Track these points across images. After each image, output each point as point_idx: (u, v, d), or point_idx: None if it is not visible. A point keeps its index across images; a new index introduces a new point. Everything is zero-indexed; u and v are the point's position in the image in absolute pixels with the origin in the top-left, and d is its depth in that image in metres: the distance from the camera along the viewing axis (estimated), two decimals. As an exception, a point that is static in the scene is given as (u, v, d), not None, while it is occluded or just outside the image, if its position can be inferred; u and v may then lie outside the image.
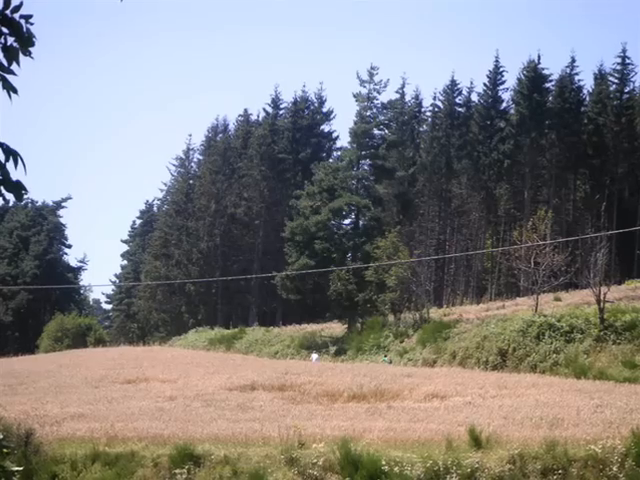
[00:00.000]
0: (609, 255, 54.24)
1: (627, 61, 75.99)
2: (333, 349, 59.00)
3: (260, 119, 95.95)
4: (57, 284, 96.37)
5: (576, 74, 77.84)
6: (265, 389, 32.39)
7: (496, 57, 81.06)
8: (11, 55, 5.82)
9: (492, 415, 23.89)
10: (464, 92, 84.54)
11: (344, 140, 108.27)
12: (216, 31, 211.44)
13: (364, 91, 70.70)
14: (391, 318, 58.29)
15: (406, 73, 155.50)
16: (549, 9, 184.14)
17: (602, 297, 41.60)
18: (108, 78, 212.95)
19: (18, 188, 5.86)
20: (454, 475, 18.78)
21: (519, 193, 79.42)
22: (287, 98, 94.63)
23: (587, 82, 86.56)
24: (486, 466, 18.95)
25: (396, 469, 18.84)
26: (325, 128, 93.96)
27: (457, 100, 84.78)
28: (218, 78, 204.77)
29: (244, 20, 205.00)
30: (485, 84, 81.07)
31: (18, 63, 5.85)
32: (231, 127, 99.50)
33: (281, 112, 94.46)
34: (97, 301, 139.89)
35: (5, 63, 5.82)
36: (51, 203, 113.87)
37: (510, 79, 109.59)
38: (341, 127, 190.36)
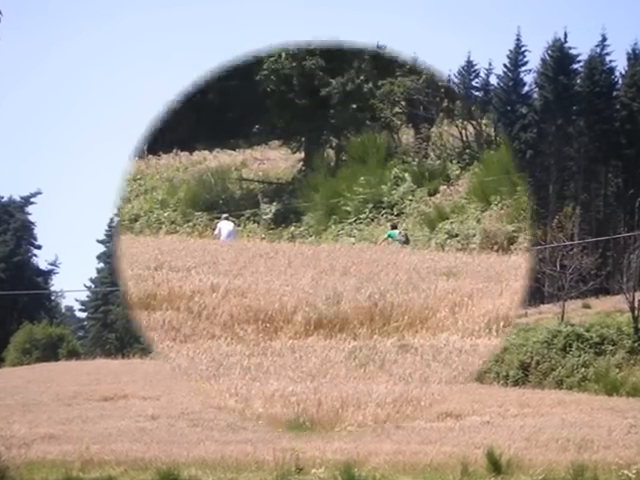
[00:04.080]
0: (644, 257, 54.16)
1: (664, 39, 76.04)
2: (270, 210, 36.26)
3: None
4: (25, 289, 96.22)
5: (607, 54, 77.45)
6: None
7: (517, 35, 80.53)
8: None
9: (513, 436, 23.89)
10: (482, 74, 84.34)
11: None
12: (202, 4, 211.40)
13: (370, 72, 69.93)
14: (408, 136, 36.81)
15: (416, 53, 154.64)
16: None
17: (637, 304, 41.63)
18: (83, 57, 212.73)
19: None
20: (470, 503, 18.80)
21: (543, 187, 79.25)
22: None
23: (620, 63, 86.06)
24: (506, 493, 18.97)
25: (405, 497, 18.86)
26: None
27: (474, 83, 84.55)
28: (205, 58, 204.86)
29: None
30: (505, 65, 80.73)
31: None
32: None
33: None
34: (70, 309, 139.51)
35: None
36: (18, 199, 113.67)
37: (533, 60, 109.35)
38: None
